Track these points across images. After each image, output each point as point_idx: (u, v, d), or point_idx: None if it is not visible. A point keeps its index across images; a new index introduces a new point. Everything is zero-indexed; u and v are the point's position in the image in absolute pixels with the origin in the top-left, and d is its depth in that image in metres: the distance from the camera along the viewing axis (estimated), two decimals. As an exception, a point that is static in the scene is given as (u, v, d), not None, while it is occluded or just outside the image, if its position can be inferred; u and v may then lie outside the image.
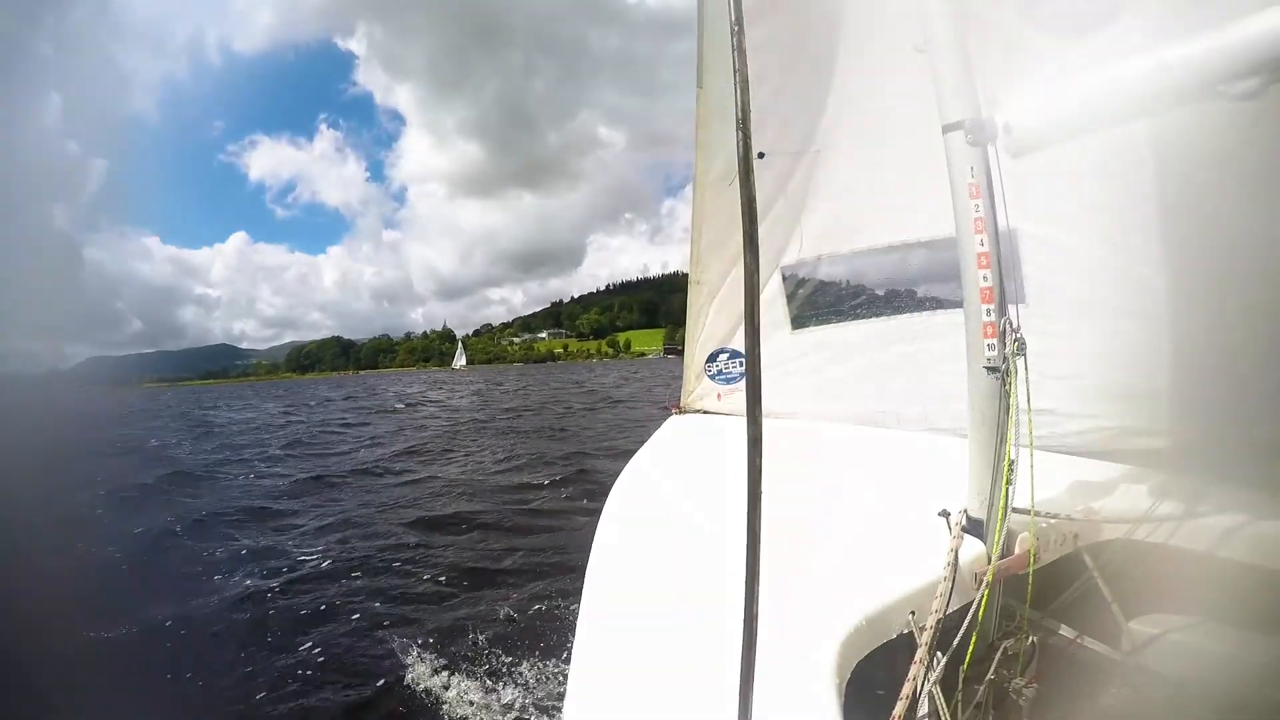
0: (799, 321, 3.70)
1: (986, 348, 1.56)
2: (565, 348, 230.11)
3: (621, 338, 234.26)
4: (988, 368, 1.57)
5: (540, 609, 5.01)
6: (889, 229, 3.24)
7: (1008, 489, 1.59)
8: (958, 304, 1.87)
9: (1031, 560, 1.63)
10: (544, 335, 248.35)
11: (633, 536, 2.19)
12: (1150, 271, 2.49)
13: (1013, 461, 1.57)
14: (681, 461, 3.44)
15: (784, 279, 3.65)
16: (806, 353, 3.70)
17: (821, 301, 3.64)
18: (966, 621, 1.50)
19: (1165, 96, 1.29)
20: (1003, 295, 1.53)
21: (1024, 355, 1.52)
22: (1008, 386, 1.54)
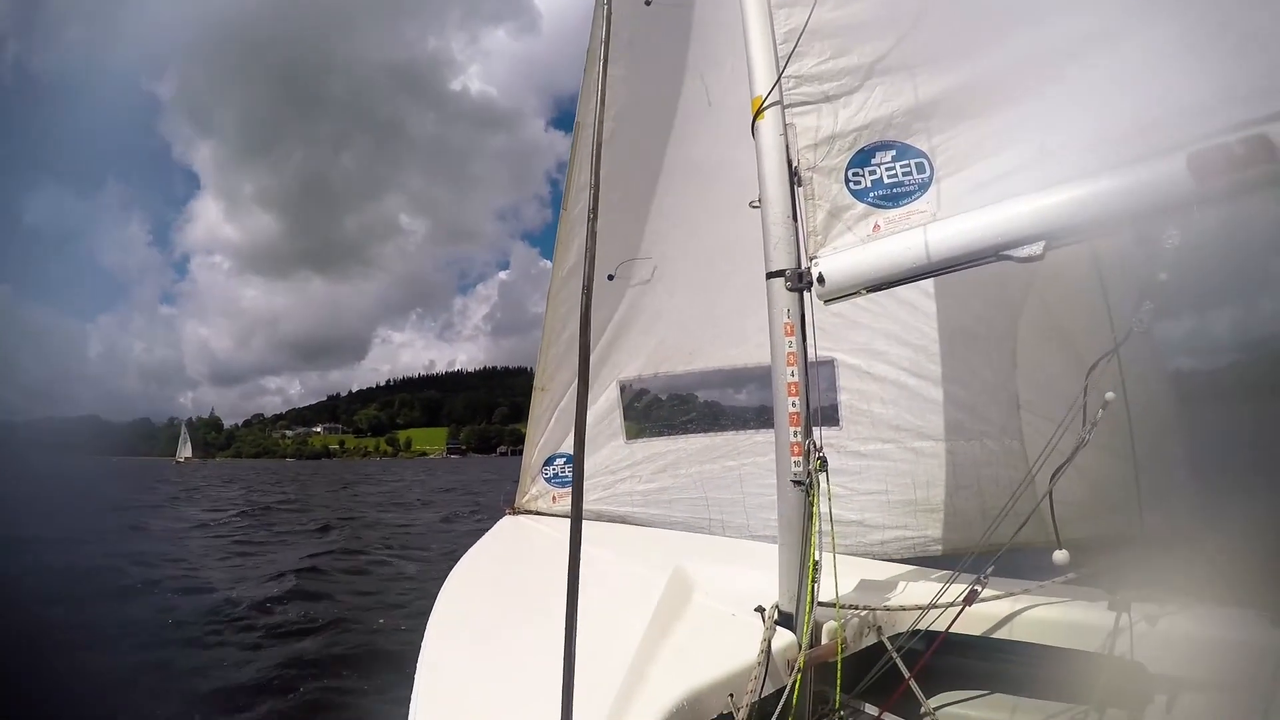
0: (633, 432, 3.96)
1: (793, 464, 1.86)
2: (341, 444, 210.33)
3: (401, 436, 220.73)
4: (794, 481, 1.86)
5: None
6: (721, 355, 3.70)
7: (812, 586, 1.85)
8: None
9: (839, 649, 1.87)
10: (319, 430, 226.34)
11: (465, 631, 2.24)
12: (938, 394, 3.13)
13: (817, 563, 1.84)
14: (513, 557, 3.48)
15: (621, 392, 3.94)
16: (640, 462, 3.94)
17: (656, 416, 3.96)
18: (781, 704, 1.67)
19: (961, 259, 1.62)
20: (808, 419, 1.85)
21: (825, 471, 1.84)
22: (811, 497, 1.84)
